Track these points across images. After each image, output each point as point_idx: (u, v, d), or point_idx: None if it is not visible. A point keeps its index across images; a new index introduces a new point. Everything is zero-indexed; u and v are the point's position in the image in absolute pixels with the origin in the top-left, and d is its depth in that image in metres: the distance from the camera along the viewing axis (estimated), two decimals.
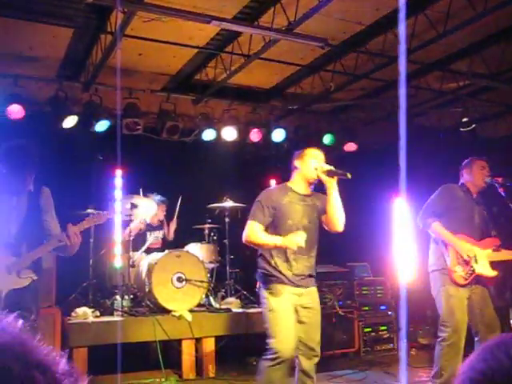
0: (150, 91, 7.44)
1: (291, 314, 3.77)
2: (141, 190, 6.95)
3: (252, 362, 6.13)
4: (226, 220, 7.11)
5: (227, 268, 7.02)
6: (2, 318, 0.78)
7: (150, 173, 7.45)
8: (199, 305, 6.40)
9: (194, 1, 5.26)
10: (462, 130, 8.04)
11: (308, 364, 3.88)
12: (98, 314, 6.02)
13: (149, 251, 7.00)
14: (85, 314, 5.87)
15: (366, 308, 7.32)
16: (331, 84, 7.23)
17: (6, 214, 3.65)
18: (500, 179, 4.69)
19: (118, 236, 6.83)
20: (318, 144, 8.35)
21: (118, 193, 7.00)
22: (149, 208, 7.06)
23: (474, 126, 8.00)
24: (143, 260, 6.71)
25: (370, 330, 7.23)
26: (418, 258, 6.96)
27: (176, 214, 7.41)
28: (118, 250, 6.82)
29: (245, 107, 8.11)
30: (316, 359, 3.91)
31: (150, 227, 7.30)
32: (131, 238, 6.62)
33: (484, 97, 7.96)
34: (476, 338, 4.63)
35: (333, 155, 8.47)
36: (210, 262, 6.89)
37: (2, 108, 6.60)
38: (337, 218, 3.86)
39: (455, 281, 4.58)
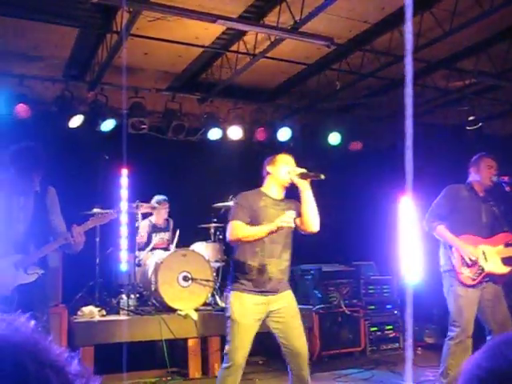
0: (156, 90, 7.45)
1: (251, 327, 3.79)
2: (139, 202, 6.85)
3: (258, 361, 6.14)
4: None
5: None
6: (16, 319, 0.78)
7: (156, 172, 7.46)
8: (205, 304, 6.40)
9: (200, 0, 5.26)
10: (468, 128, 8.02)
11: (300, 371, 3.88)
12: (104, 312, 6.04)
13: (154, 249, 7.00)
14: (91, 312, 5.88)
15: (372, 307, 7.31)
16: (337, 83, 7.22)
17: (14, 213, 3.79)
18: (507, 178, 4.68)
19: (123, 235, 6.85)
20: (324, 143, 8.35)
21: (124, 192, 7.01)
22: (158, 214, 7.17)
23: (480, 124, 7.97)
24: (149, 259, 6.72)
25: (376, 328, 7.22)
26: (423, 256, 6.95)
27: (174, 243, 7.27)
28: (124, 249, 6.84)
29: (250, 106, 8.11)
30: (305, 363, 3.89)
31: (156, 228, 7.31)
32: (144, 241, 6.65)
33: (490, 95, 7.93)
34: (488, 337, 4.61)
35: (338, 154, 8.54)
36: (216, 261, 6.89)
37: (8, 108, 6.63)
38: (312, 218, 3.89)
39: (463, 282, 4.57)
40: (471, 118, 7.97)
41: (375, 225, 7.94)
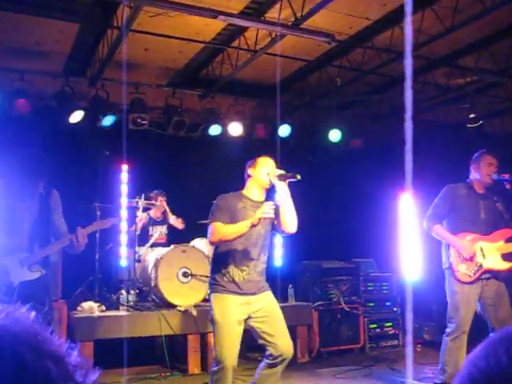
0: (156, 86, 7.45)
1: (235, 327, 3.79)
2: (143, 195, 6.90)
3: (257, 357, 6.14)
4: None
5: None
6: (16, 309, 0.78)
7: (156, 168, 7.46)
8: (204, 300, 6.40)
9: None
10: (469, 126, 8.01)
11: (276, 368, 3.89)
12: (103, 308, 6.05)
13: (154, 246, 7.01)
14: (91, 308, 5.89)
15: (372, 304, 7.31)
16: (338, 79, 7.21)
17: (20, 214, 4.01)
18: (507, 175, 4.68)
19: (123, 231, 6.86)
20: (324, 140, 8.35)
21: (124, 187, 7.02)
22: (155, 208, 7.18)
23: (481, 122, 7.96)
24: (149, 255, 6.73)
25: (375, 326, 7.22)
26: (423, 254, 6.95)
27: (168, 211, 7.36)
28: (123, 244, 6.85)
29: (251, 103, 8.11)
30: (284, 363, 3.89)
31: (153, 221, 7.32)
32: (137, 233, 6.65)
33: (491, 93, 7.92)
34: (491, 334, 4.61)
35: (339, 151, 8.54)
36: None
37: (8, 103, 6.63)
38: (289, 219, 3.93)
39: (459, 279, 4.61)
40: (472, 115, 7.96)
41: (375, 222, 7.94)
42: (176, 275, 6.25)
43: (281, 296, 6.80)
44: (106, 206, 6.56)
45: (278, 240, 7.96)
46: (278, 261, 7.94)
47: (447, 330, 4.63)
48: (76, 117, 6.99)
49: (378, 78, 7.44)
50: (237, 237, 3.77)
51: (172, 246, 6.51)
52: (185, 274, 6.27)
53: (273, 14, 5.54)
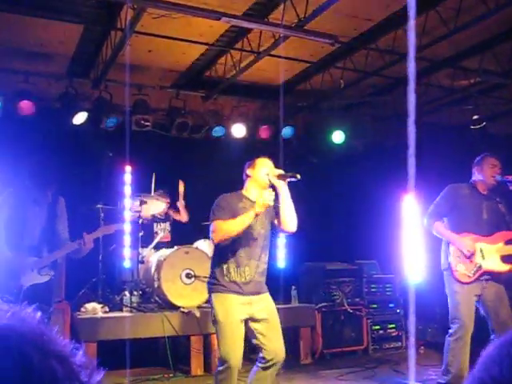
0: (160, 88, 7.46)
1: (238, 326, 3.81)
2: (152, 188, 6.97)
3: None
4: None
5: None
6: (22, 309, 0.79)
7: (159, 169, 7.45)
8: (208, 301, 6.40)
9: None
10: (472, 127, 7.99)
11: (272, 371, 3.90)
12: (107, 309, 6.06)
13: (158, 246, 7.02)
14: (94, 309, 5.90)
15: (375, 305, 7.31)
16: (341, 81, 7.21)
17: (30, 221, 4.20)
18: (511, 177, 4.68)
19: (127, 232, 6.86)
20: (328, 142, 8.34)
21: (128, 189, 7.03)
22: (157, 205, 7.12)
23: (484, 123, 7.94)
24: (152, 256, 6.73)
25: (378, 327, 7.21)
26: (426, 255, 6.94)
27: (182, 196, 7.42)
28: (127, 246, 6.85)
29: (254, 104, 8.11)
30: (278, 365, 3.91)
31: (157, 219, 7.33)
32: (141, 235, 6.65)
33: (495, 94, 7.90)
34: (492, 336, 4.61)
35: (342, 153, 8.52)
36: None
37: (12, 104, 6.64)
38: (289, 218, 3.97)
39: (458, 279, 4.63)
40: (476, 117, 7.94)
41: (378, 223, 7.93)
42: (179, 276, 6.25)
43: (284, 297, 6.82)
44: (110, 208, 6.58)
45: (281, 241, 7.96)
46: (282, 262, 7.94)
47: (450, 331, 4.64)
48: (79, 118, 7.00)
49: (382, 80, 7.44)
50: (240, 230, 3.77)
51: (175, 248, 6.52)
52: (188, 276, 6.28)
53: (276, 15, 5.54)
